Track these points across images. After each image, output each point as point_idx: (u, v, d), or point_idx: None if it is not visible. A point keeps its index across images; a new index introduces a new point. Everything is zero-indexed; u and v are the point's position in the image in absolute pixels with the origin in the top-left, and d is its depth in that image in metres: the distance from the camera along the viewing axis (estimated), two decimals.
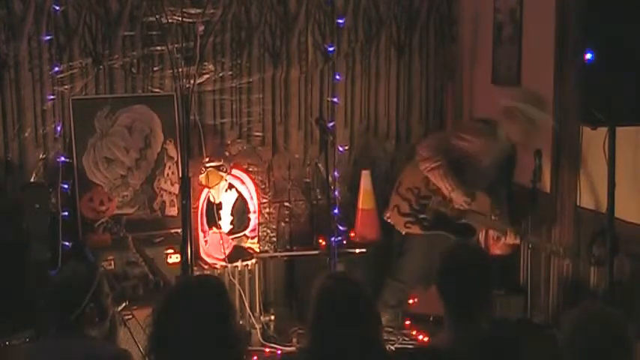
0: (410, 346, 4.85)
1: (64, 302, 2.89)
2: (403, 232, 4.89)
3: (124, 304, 3.89)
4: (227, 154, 5.45)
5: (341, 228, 5.36)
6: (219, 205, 5.29)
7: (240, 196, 5.45)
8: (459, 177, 4.64)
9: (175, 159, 5.30)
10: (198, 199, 5.22)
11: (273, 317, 5.38)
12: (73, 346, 2.84)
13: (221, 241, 5.15)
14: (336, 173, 5.38)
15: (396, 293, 5.02)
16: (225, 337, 2.38)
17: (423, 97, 5.95)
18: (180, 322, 2.37)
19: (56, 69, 5.00)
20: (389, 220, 4.97)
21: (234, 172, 5.38)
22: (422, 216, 4.77)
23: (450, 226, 4.72)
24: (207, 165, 5.21)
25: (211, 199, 5.23)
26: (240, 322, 5.18)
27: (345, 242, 5.38)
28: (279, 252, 5.61)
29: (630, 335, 2.56)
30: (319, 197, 5.64)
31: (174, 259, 4.89)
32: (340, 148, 5.63)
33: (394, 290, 5.01)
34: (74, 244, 4.85)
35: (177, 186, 5.27)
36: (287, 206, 5.66)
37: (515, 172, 4.95)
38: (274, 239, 5.65)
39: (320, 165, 5.59)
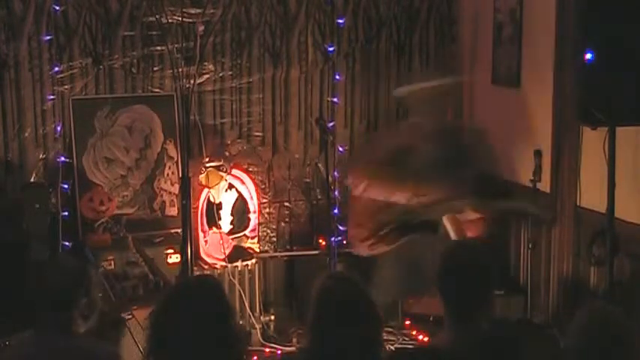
0: (410, 346, 4.85)
1: (56, 300, 2.88)
2: (370, 254, 4.85)
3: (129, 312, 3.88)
4: (227, 154, 5.45)
5: (341, 228, 5.36)
6: (219, 205, 5.29)
7: (240, 196, 5.45)
8: (397, 175, 4.62)
9: (175, 159, 5.30)
10: (198, 199, 5.22)
11: (273, 317, 5.38)
12: (69, 345, 2.84)
13: (221, 241, 5.15)
14: (336, 173, 5.38)
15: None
16: (224, 338, 2.38)
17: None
18: (179, 323, 2.37)
19: (56, 69, 5.00)
20: (355, 252, 4.95)
21: (234, 172, 5.38)
22: (382, 232, 4.74)
23: (412, 229, 4.69)
24: (207, 165, 5.21)
25: (211, 199, 5.23)
26: (240, 322, 5.18)
27: (345, 242, 5.37)
28: (279, 252, 5.61)
29: (635, 335, 2.56)
30: (319, 197, 5.64)
31: (174, 259, 4.89)
32: (340, 148, 5.62)
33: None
34: (74, 244, 4.85)
35: (177, 186, 5.27)
36: (287, 206, 5.66)
37: (516, 172, 4.95)
38: (274, 239, 5.65)
39: (320, 165, 5.59)
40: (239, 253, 5.28)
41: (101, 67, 5.13)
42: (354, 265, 4.93)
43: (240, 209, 5.46)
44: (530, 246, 4.69)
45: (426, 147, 4.63)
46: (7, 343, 3.94)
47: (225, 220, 5.36)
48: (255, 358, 4.99)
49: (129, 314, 4.06)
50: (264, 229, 5.60)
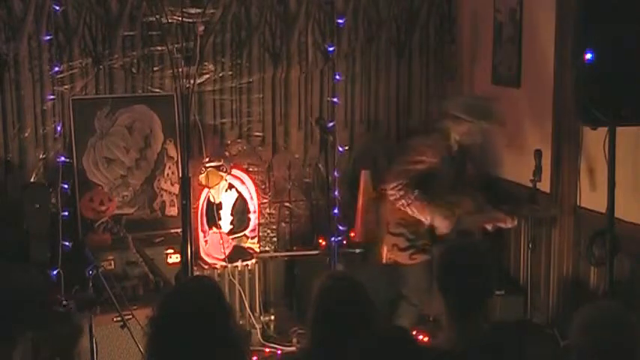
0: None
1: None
2: (407, 263, 4.86)
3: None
4: (227, 154, 5.45)
5: (341, 228, 5.36)
6: (219, 205, 5.29)
7: (240, 196, 5.45)
8: (428, 194, 4.64)
9: (175, 159, 5.30)
10: (198, 199, 5.22)
11: (273, 317, 5.38)
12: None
13: (221, 241, 5.15)
14: (336, 173, 5.38)
15: (410, 315, 5.00)
16: (223, 338, 2.38)
17: (423, 97, 5.95)
18: (178, 324, 2.36)
19: (56, 69, 5.00)
20: (390, 261, 4.95)
21: (234, 172, 5.38)
22: (420, 242, 4.75)
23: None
24: (207, 165, 5.20)
25: (211, 199, 5.23)
26: (240, 322, 5.18)
27: (345, 242, 5.37)
28: (279, 252, 5.61)
29: (637, 333, 2.56)
30: (319, 197, 5.64)
31: (174, 259, 4.89)
32: (340, 148, 5.62)
33: (408, 312, 5.00)
34: (74, 244, 4.85)
35: (177, 186, 5.27)
36: (287, 206, 5.66)
37: (516, 172, 4.95)
38: (274, 239, 5.65)
39: (320, 165, 5.59)
40: (239, 253, 5.27)
41: (101, 67, 5.12)
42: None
43: (240, 209, 5.46)
44: (530, 246, 4.69)
45: (446, 169, 4.68)
46: None
47: (225, 220, 5.36)
48: (255, 358, 4.99)
49: (129, 314, 4.06)
50: (265, 229, 5.60)
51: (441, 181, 4.68)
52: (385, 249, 4.97)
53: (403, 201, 4.62)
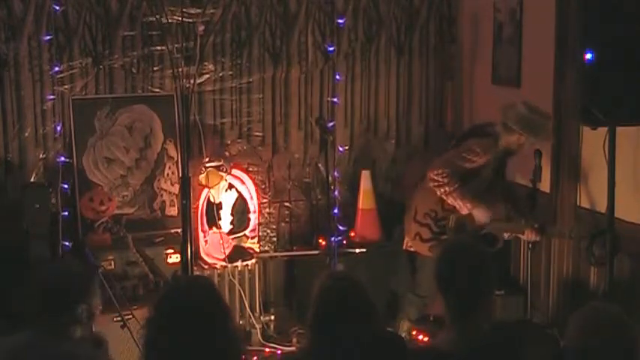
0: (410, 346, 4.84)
1: (56, 303, 2.87)
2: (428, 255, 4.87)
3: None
4: (227, 154, 5.45)
5: (341, 228, 5.36)
6: (219, 205, 5.29)
7: (240, 196, 5.45)
8: (469, 192, 4.65)
9: (175, 159, 5.30)
10: (198, 199, 5.22)
11: (273, 317, 5.38)
12: (58, 350, 2.81)
13: (221, 241, 5.15)
14: (336, 173, 5.38)
15: (417, 307, 5.02)
16: (219, 338, 2.37)
17: (423, 97, 5.95)
18: (172, 324, 2.36)
19: (56, 69, 5.00)
20: (410, 249, 4.96)
21: (234, 172, 5.38)
22: (444, 237, 4.75)
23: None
24: (207, 165, 5.21)
25: (211, 199, 5.23)
26: (240, 322, 5.18)
27: (345, 242, 5.37)
28: (279, 252, 5.61)
29: (636, 334, 2.56)
30: (319, 197, 5.64)
31: (174, 259, 4.89)
32: (340, 148, 5.63)
33: (415, 304, 5.01)
34: (74, 244, 4.85)
35: (177, 186, 5.27)
36: (287, 206, 5.66)
37: (516, 172, 4.96)
38: (274, 239, 5.65)
39: (320, 165, 5.59)
40: (239, 253, 5.28)
41: (101, 67, 5.13)
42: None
43: (240, 209, 5.46)
44: (530, 246, 4.68)
45: (488, 171, 4.69)
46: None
47: (225, 220, 5.36)
48: (255, 358, 4.99)
49: (129, 314, 4.06)
50: (264, 229, 5.60)
51: (479, 183, 4.69)
52: (407, 237, 4.95)
53: (446, 188, 4.63)
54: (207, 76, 5.36)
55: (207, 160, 5.22)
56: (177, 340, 2.32)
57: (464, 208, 4.65)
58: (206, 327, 2.34)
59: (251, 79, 5.50)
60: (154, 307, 2.42)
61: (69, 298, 2.87)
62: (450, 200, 4.66)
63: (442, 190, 4.63)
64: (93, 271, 3.17)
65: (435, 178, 4.65)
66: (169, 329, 2.35)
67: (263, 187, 5.58)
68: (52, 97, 5.01)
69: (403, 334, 4.87)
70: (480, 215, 4.66)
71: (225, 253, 5.10)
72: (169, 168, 5.31)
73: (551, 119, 4.70)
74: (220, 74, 5.42)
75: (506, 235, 4.77)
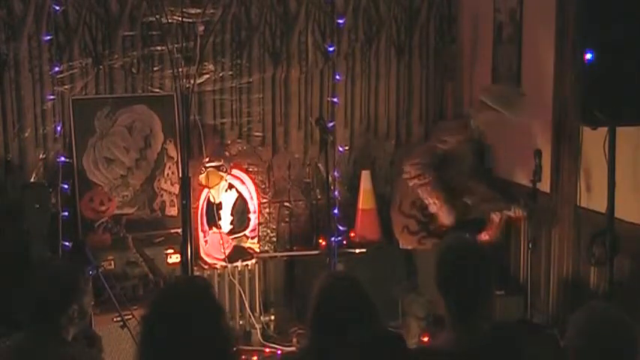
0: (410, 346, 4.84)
1: (47, 310, 2.88)
2: (418, 249, 4.86)
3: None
4: (227, 154, 5.45)
5: (341, 228, 5.36)
6: (219, 205, 5.29)
7: (240, 196, 5.45)
8: (445, 177, 4.64)
9: (175, 159, 5.30)
10: (198, 199, 5.22)
11: (273, 317, 5.39)
12: (56, 352, 2.82)
13: (221, 241, 5.15)
14: (336, 173, 5.38)
15: (424, 307, 5.01)
16: (213, 338, 2.37)
17: (423, 97, 5.95)
18: (167, 324, 2.36)
19: (56, 69, 5.00)
20: (401, 246, 4.96)
21: (234, 172, 5.38)
22: (432, 227, 4.76)
23: (461, 226, 4.71)
24: (207, 165, 5.21)
25: (211, 199, 5.23)
26: (240, 322, 5.19)
27: (345, 242, 5.38)
28: (279, 252, 5.61)
29: (636, 335, 2.56)
30: (319, 197, 5.64)
31: (174, 259, 4.89)
32: (340, 148, 5.63)
33: (421, 304, 5.01)
34: (74, 244, 4.85)
35: (177, 186, 5.27)
36: (287, 206, 5.66)
37: (516, 172, 4.96)
38: (274, 239, 5.65)
39: (320, 165, 5.59)
40: (239, 253, 5.28)
41: (101, 67, 5.13)
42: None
43: (240, 209, 5.47)
44: (530, 246, 4.69)
45: (468, 153, 4.70)
46: (7, 343, 3.94)
47: (225, 220, 5.36)
48: (255, 358, 4.99)
49: (129, 314, 4.06)
50: (264, 229, 5.60)
51: (460, 166, 4.68)
52: (395, 230, 4.95)
53: (416, 180, 4.62)
54: (207, 76, 5.36)
55: (207, 160, 5.22)
56: (169, 339, 2.33)
57: (432, 204, 4.65)
58: (198, 327, 2.34)
59: (251, 80, 5.50)
60: (148, 307, 2.43)
61: (59, 303, 2.88)
62: (421, 194, 4.64)
63: (414, 182, 4.64)
64: (82, 269, 3.16)
65: (409, 169, 4.66)
66: (162, 329, 2.35)
67: (263, 187, 5.58)
68: (52, 97, 5.01)
69: (413, 335, 4.87)
70: (444, 216, 4.66)
71: (225, 253, 5.10)
72: (169, 168, 5.31)
73: (524, 96, 4.70)
74: (220, 74, 5.42)
75: (497, 219, 4.74)
